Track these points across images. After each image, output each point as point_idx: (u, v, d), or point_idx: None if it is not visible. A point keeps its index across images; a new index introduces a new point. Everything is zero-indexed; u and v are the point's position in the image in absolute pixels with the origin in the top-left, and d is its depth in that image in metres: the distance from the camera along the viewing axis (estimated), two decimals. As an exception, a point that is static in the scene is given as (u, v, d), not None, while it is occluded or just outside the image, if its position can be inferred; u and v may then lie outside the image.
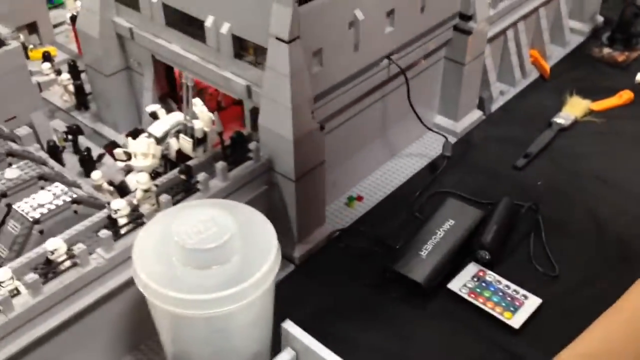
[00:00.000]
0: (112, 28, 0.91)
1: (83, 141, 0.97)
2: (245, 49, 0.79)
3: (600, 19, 1.32)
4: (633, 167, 1.00)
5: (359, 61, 0.82)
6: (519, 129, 1.08)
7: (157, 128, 0.80)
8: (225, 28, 0.77)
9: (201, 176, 0.72)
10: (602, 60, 1.24)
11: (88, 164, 0.92)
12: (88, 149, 0.92)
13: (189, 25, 0.83)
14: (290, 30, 0.70)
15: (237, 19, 0.76)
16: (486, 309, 0.77)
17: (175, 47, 0.86)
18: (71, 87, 1.04)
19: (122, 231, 0.67)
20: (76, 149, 0.96)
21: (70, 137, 0.96)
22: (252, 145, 0.78)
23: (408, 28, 0.87)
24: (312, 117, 0.77)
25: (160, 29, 0.86)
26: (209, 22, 0.79)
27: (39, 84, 1.06)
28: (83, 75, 1.04)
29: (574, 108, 1.10)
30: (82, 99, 1.05)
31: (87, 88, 1.04)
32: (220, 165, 0.74)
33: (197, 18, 0.80)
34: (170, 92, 0.96)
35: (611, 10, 1.32)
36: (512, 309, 0.77)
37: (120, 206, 0.68)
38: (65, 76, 1.04)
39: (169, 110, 0.94)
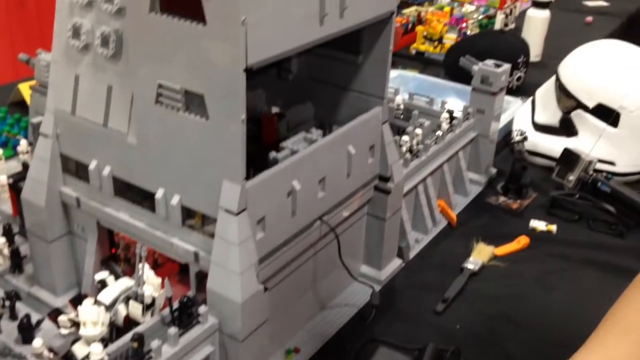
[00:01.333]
0: (58, 197, 0.96)
1: (20, 306, 0.97)
2: (192, 217, 0.86)
3: (493, 170, 1.50)
4: (538, 308, 1.12)
5: (296, 224, 0.91)
6: (436, 274, 1.19)
7: (107, 295, 0.83)
8: (175, 200, 0.84)
9: (154, 343, 0.76)
10: (499, 208, 1.40)
11: (27, 330, 0.92)
12: (27, 316, 0.93)
13: (137, 195, 0.89)
14: (238, 204, 0.78)
15: (187, 192, 0.84)
16: None
17: (123, 215, 0.91)
18: (6, 251, 1.06)
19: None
20: (13, 315, 0.95)
21: (7, 303, 0.96)
22: (201, 309, 0.82)
23: (337, 192, 0.98)
24: (257, 279, 0.83)
25: (108, 198, 0.92)
26: (159, 194, 0.85)
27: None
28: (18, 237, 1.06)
29: (481, 254, 1.23)
30: (17, 262, 1.06)
31: (23, 250, 1.06)
32: (172, 331, 0.78)
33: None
34: (113, 254, 1.00)
35: (503, 162, 1.51)
36: None
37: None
38: (1, 240, 1.05)
39: (111, 273, 0.97)
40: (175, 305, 0.83)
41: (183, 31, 0.74)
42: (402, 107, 1.40)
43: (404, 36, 2.21)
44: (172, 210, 0.85)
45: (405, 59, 2.13)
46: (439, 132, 1.30)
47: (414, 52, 2.16)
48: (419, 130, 1.27)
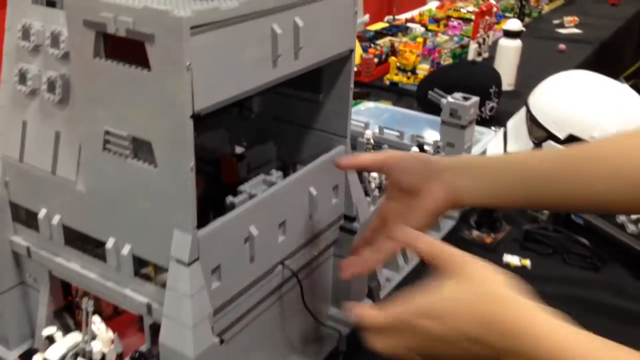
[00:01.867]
0: (8, 247, 0.92)
1: (-31, 362, 0.93)
2: (145, 266, 0.83)
3: (466, 203, 1.48)
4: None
5: (255, 271, 0.87)
6: (407, 314, 1.15)
7: (54, 352, 0.79)
8: (126, 249, 0.81)
9: (102, 404, 0.72)
10: (473, 242, 1.37)
11: (-25, 388, 0.88)
12: (-25, 372, 0.89)
13: (88, 244, 0.86)
14: (190, 254, 0.75)
15: (138, 241, 0.80)
16: None
17: (74, 265, 0.88)
18: (-42, 302, 1.02)
19: None
20: (-39, 371, 0.91)
21: (-45, 358, 0.92)
22: (153, 365, 0.79)
23: (299, 234, 0.95)
24: (212, 332, 0.80)
25: (58, 247, 0.88)
26: (109, 243, 0.82)
27: None
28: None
29: (453, 291, 1.20)
30: (-32, 313, 1.02)
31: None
32: (121, 389, 0.74)
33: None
34: (67, 306, 0.96)
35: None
36: None
37: None
38: (-48, 291, 1.01)
39: (64, 326, 0.93)
40: (127, 360, 0.79)
41: (128, 77, 0.72)
42: (372, 141, 1.38)
43: (378, 67, 2.21)
44: (123, 260, 0.82)
45: (379, 89, 2.13)
46: (408, 167, 1.28)
47: (387, 82, 2.15)
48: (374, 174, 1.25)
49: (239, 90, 0.76)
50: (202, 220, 0.78)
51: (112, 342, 0.81)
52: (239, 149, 1.11)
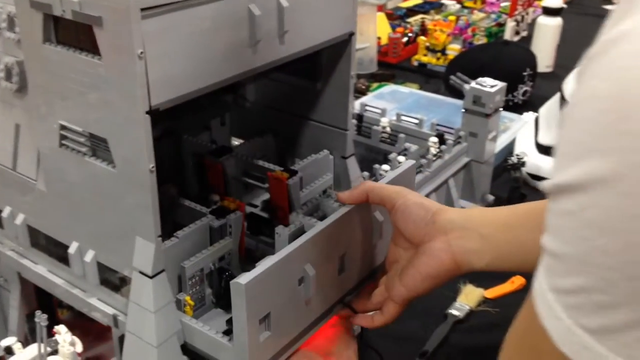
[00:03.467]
0: (-25, 246, 0.86)
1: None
2: (113, 274, 0.75)
3: (490, 197, 1.36)
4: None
5: (311, 314, 0.72)
6: (416, 322, 1.06)
7: (10, 367, 0.73)
8: (89, 256, 0.73)
9: None
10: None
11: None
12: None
13: (54, 247, 0.79)
14: (153, 266, 0.67)
15: (101, 247, 0.73)
16: None
17: (41, 268, 0.81)
18: None
19: None
20: None
21: None
22: (117, 384, 0.71)
23: (361, 266, 0.78)
24: (179, 351, 0.71)
25: (25, 249, 0.81)
26: (72, 248, 0.74)
27: None
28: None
29: (468, 297, 1.09)
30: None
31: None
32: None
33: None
34: (40, 308, 0.90)
35: (503, 187, 1.37)
36: None
37: None
38: None
39: (33, 332, 0.87)
40: (91, 377, 0.72)
41: (81, 65, 0.63)
42: (388, 129, 1.28)
43: (406, 47, 2.08)
44: (88, 267, 0.74)
45: (406, 71, 2.00)
46: (424, 161, 1.17)
47: (415, 63, 2.02)
48: (401, 158, 1.14)
49: (207, 81, 0.66)
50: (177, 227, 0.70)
51: (79, 354, 0.73)
52: (238, 141, 1.02)
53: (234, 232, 0.76)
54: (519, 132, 1.48)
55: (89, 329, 0.85)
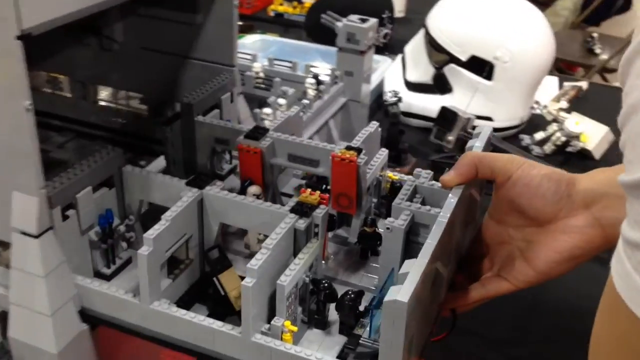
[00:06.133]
0: None
1: None
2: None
3: (368, 137, 1.36)
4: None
5: (432, 316, 0.62)
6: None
7: None
8: (-49, 223, 0.62)
9: None
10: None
11: None
12: None
13: None
14: (38, 223, 0.57)
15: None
16: None
17: None
18: None
19: None
20: None
21: None
22: (4, 365, 0.61)
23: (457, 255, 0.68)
24: (78, 317, 0.63)
25: None
26: None
27: None
28: None
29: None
30: None
31: None
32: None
33: None
34: None
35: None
36: None
37: None
38: None
39: None
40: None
41: None
42: (261, 74, 1.22)
43: (261, -4, 2.02)
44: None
45: (263, 22, 1.95)
46: (305, 101, 1.14)
47: (272, 14, 1.97)
48: (281, 100, 1.10)
49: (83, 3, 0.57)
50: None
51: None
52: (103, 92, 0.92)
53: (320, 233, 0.64)
54: (386, 72, 1.49)
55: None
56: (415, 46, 1.46)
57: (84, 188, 0.65)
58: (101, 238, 0.68)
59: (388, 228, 0.62)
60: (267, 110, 1.07)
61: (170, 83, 0.88)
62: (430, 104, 1.37)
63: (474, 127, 1.29)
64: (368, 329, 0.61)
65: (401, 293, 0.48)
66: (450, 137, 1.29)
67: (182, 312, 0.60)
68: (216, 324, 0.59)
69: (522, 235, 0.63)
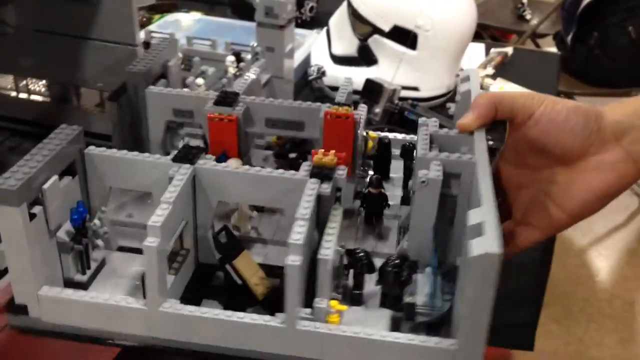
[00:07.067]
0: None
1: None
2: None
3: (296, 114, 1.34)
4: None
5: None
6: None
7: None
8: None
9: None
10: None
11: None
12: None
13: None
14: None
15: None
16: None
17: None
18: None
19: None
20: None
21: None
22: None
23: None
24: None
25: None
26: None
27: None
28: None
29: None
30: None
31: None
32: None
33: None
34: None
35: (304, 103, 1.36)
36: None
37: None
38: None
39: None
40: None
41: None
42: (180, 54, 1.18)
43: (184, -25, 1.96)
44: None
45: (187, 0, 1.89)
46: (224, 80, 1.11)
47: (196, -9, 1.92)
48: (200, 81, 1.07)
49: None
50: None
51: None
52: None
53: (343, 197, 0.59)
54: (312, 47, 1.47)
55: None
56: (339, 19, 1.44)
57: (49, 178, 0.55)
58: (74, 238, 0.58)
59: (423, 181, 0.57)
60: (199, 80, 1.05)
61: (72, 66, 0.83)
62: (356, 77, 1.35)
63: (400, 99, 1.29)
64: (420, 296, 0.56)
65: (490, 244, 0.44)
66: (377, 110, 1.28)
67: (202, 311, 0.52)
68: (250, 318, 0.52)
69: (546, 176, 0.58)
